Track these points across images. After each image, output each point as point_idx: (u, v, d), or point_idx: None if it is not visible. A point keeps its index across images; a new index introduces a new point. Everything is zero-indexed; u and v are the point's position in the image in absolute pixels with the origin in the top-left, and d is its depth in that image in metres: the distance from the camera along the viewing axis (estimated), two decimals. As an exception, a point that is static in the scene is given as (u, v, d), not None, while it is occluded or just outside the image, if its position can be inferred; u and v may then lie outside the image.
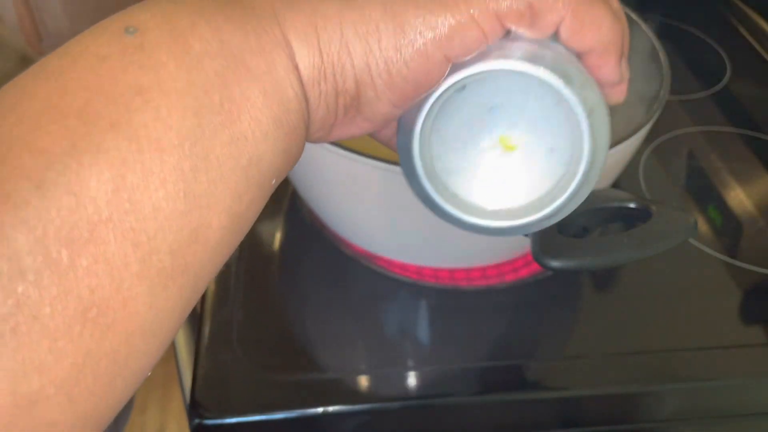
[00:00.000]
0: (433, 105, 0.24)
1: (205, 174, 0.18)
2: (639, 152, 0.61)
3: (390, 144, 0.29)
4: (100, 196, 0.17)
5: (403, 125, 0.25)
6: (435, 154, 0.26)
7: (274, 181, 0.21)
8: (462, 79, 0.23)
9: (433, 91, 0.24)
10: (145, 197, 0.17)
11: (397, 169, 0.39)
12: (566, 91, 0.23)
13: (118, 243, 0.17)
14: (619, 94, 0.27)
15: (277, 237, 0.53)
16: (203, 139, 0.18)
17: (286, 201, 0.56)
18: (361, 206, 0.45)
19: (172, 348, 0.50)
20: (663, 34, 0.52)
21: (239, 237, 0.21)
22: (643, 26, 0.51)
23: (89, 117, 0.17)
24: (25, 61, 0.54)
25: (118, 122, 0.17)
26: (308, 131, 0.23)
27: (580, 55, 0.25)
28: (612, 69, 0.25)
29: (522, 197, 0.27)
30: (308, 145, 0.24)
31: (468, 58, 0.23)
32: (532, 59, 0.23)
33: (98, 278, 0.16)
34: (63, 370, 0.16)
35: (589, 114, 0.24)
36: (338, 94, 0.23)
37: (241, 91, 0.19)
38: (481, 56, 0.23)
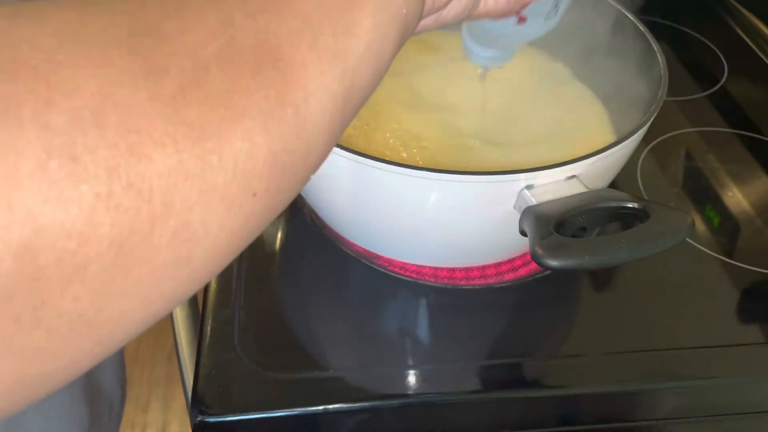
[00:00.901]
0: None
1: None
2: (637, 153, 0.61)
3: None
4: None
5: None
6: None
7: (405, 11, 0.26)
8: None
9: None
10: None
11: (398, 169, 0.39)
12: None
13: (294, 22, 0.22)
14: None
15: (278, 237, 0.54)
16: None
17: (286, 201, 0.56)
18: (361, 206, 0.45)
19: (175, 347, 0.50)
20: (660, 35, 0.52)
21: (379, 63, 0.25)
22: (641, 28, 0.52)
23: None
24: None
25: None
26: None
27: None
28: None
29: None
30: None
31: None
32: None
33: (283, 40, 0.21)
34: (260, 99, 0.20)
35: None
36: None
37: None
38: None
